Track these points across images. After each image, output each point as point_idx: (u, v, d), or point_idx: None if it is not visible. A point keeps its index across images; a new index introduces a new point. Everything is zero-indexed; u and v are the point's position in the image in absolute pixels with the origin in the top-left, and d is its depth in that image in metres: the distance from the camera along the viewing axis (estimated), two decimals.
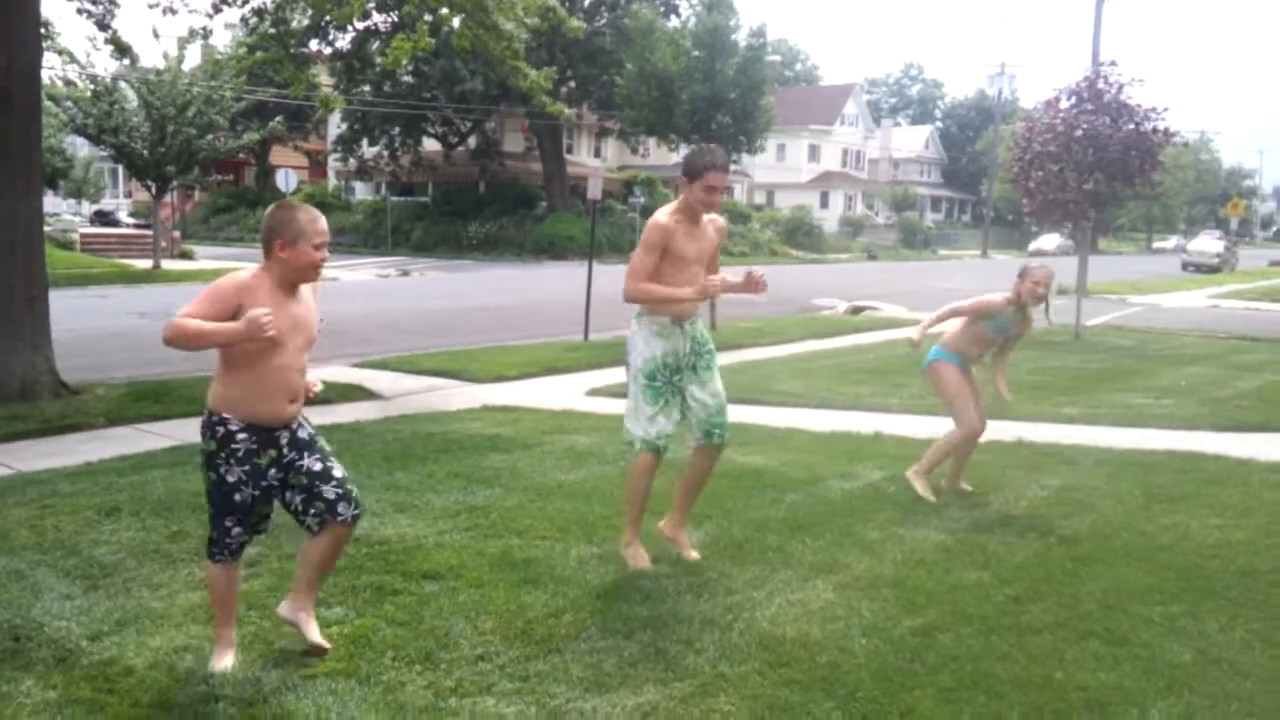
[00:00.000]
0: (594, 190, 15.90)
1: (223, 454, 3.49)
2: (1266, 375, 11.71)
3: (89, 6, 11.27)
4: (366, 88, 38.57)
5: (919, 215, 63.32)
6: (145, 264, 26.54)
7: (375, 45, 31.91)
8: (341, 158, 44.63)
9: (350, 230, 41.35)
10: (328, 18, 13.17)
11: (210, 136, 25.96)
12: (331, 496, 3.59)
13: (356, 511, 3.65)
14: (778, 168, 62.67)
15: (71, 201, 50.22)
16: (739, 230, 42.25)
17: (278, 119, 31.91)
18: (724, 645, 3.87)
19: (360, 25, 31.02)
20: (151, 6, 11.44)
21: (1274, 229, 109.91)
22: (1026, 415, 8.56)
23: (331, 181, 52.05)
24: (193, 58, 26.61)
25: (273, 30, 13.05)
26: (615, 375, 9.18)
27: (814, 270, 36.95)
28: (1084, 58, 25.83)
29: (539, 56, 29.36)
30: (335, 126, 44.08)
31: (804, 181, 64.50)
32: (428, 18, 11.40)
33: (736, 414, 8.46)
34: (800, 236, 49.92)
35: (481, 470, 6.47)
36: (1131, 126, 15.85)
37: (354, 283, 25.47)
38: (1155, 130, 15.87)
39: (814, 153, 65.89)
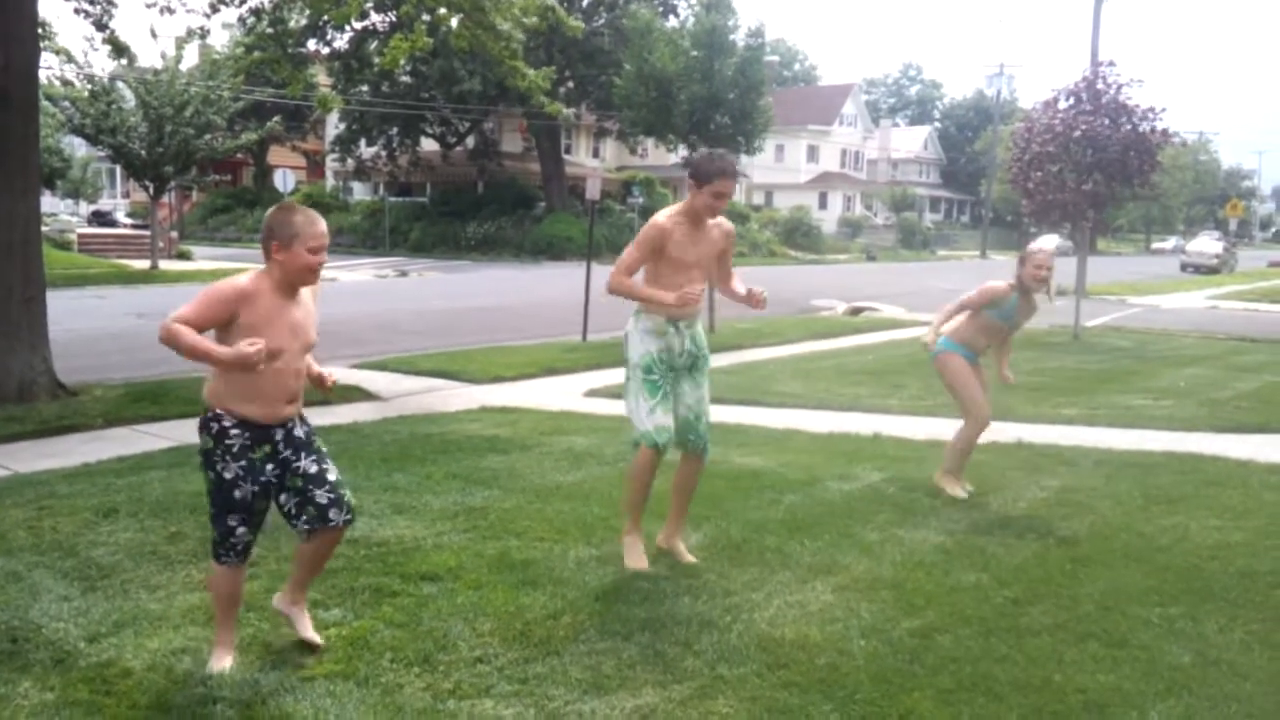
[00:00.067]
0: (592, 190, 15.89)
1: (219, 450, 3.48)
2: (1265, 376, 11.72)
3: (86, 6, 11.23)
4: (364, 88, 38.54)
5: (918, 216, 63.31)
6: (143, 264, 26.48)
7: (373, 45, 31.90)
8: (339, 158, 44.57)
9: (348, 231, 41.28)
10: (325, 17, 13.17)
11: (208, 136, 25.91)
12: (324, 502, 3.58)
13: (348, 517, 3.65)
14: (776, 168, 62.66)
15: (69, 202, 50.19)
16: (737, 230, 42.03)
17: (275, 119, 31.90)
18: (722, 647, 3.86)
19: (358, 25, 30.97)
20: (149, 6, 11.41)
21: (1273, 230, 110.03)
22: (1026, 416, 8.59)
23: (329, 182, 51.94)
24: (190, 58, 26.66)
25: (270, 30, 13.04)
26: (614, 376, 9.17)
27: (813, 271, 36.96)
28: (1083, 58, 25.85)
29: (537, 56, 29.38)
30: (333, 127, 43.98)
31: (802, 182, 64.54)
32: (425, 17, 11.37)
33: (736, 415, 8.60)
34: (799, 237, 49.94)
35: (480, 471, 6.46)
36: (1130, 127, 15.89)
37: (352, 283, 25.44)
38: (1154, 131, 15.90)
39: (812, 153, 65.93)
